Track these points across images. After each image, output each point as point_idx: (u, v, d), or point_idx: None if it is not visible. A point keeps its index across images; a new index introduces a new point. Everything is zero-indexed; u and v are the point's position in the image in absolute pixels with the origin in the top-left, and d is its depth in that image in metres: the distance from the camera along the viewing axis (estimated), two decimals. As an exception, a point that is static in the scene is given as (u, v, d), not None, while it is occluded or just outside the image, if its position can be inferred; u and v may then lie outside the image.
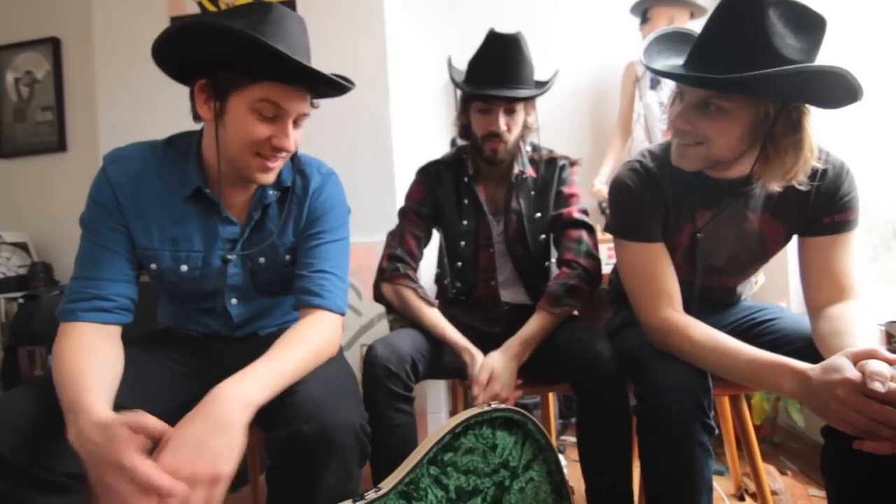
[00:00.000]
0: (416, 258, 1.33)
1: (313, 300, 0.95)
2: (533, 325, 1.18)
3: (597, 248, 1.29)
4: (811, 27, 0.81)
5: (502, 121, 1.24)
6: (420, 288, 1.26)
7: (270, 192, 0.99)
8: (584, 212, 1.31)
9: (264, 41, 0.79)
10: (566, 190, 1.33)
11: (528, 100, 1.27)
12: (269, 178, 0.93)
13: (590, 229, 1.29)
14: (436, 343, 1.21)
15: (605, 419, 1.05)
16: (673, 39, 0.97)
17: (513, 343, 1.15)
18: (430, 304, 1.25)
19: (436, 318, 1.22)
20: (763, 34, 0.80)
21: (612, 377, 1.05)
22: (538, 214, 1.32)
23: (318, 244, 1.00)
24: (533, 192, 1.33)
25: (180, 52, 0.86)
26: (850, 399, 0.70)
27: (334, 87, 0.91)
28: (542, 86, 1.29)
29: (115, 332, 0.88)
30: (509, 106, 1.24)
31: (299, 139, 0.93)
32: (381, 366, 1.08)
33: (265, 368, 0.80)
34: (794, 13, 0.81)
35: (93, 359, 0.80)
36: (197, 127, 0.97)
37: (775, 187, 0.92)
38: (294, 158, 1.03)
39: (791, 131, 0.86)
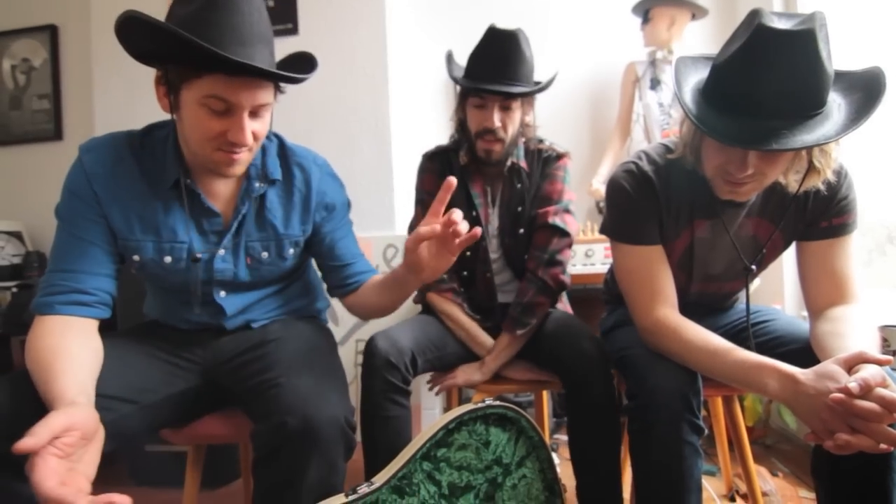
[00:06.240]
0: None
1: (371, 273, 1.11)
2: (500, 346, 1.25)
3: (565, 252, 1.28)
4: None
5: (497, 117, 1.22)
6: (463, 303, 1.31)
7: (257, 185, 0.97)
8: (566, 210, 1.29)
9: (194, 40, 0.74)
10: (546, 187, 1.30)
11: (525, 96, 1.26)
12: (237, 170, 0.90)
13: (562, 234, 1.27)
14: (437, 337, 1.25)
15: (594, 413, 1.08)
16: (695, 62, 0.94)
17: (488, 362, 1.25)
18: (472, 317, 1.31)
19: (475, 329, 1.29)
20: (822, 69, 0.77)
21: (598, 373, 1.08)
22: (519, 209, 1.31)
23: (346, 233, 1.10)
24: (519, 185, 1.31)
25: (133, 44, 0.83)
26: (842, 410, 0.69)
27: (282, 79, 0.87)
28: (540, 84, 1.28)
29: (91, 325, 0.87)
30: (505, 102, 1.23)
31: (263, 130, 0.88)
32: (381, 357, 1.09)
33: None
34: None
35: (62, 348, 0.79)
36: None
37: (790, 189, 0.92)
38: (285, 150, 1.02)
39: None
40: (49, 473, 0.60)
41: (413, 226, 1.41)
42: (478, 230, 0.82)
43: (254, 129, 0.85)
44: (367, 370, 1.11)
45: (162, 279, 0.98)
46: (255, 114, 0.85)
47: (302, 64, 0.92)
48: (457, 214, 0.80)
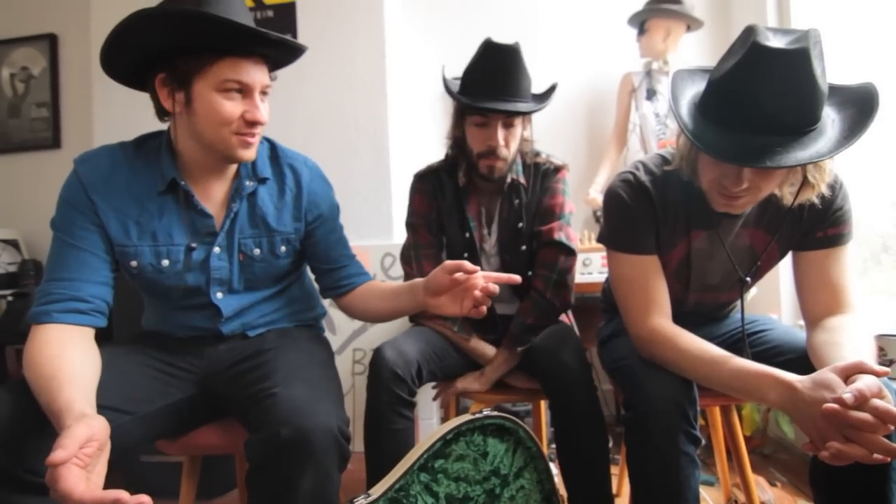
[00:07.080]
0: None
1: (365, 277, 1.14)
2: (499, 360, 1.26)
3: (572, 272, 1.28)
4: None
5: (500, 135, 1.18)
6: (454, 325, 1.29)
7: (248, 183, 1.00)
8: (567, 224, 1.28)
9: (225, 18, 0.81)
10: (548, 201, 1.28)
11: (527, 114, 1.23)
12: (252, 153, 0.94)
13: (568, 252, 1.26)
14: (440, 347, 1.25)
15: (579, 423, 1.08)
16: (692, 75, 0.95)
17: (487, 373, 1.26)
18: (464, 339, 1.28)
19: (474, 342, 1.29)
20: (816, 87, 0.78)
21: (580, 385, 1.09)
22: (520, 224, 1.29)
23: (338, 236, 1.12)
24: (517, 201, 1.28)
25: (138, 48, 0.86)
26: (836, 420, 0.69)
27: (288, 50, 0.94)
28: (541, 99, 1.25)
29: (89, 333, 0.87)
30: (508, 120, 1.19)
31: (268, 114, 0.94)
32: (388, 369, 1.08)
33: None
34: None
35: (64, 358, 0.78)
36: (163, 127, 0.98)
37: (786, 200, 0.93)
38: (276, 152, 1.05)
39: None
40: (77, 481, 0.62)
41: (404, 251, 1.36)
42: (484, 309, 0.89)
43: (263, 110, 0.92)
44: (373, 382, 1.10)
45: (159, 284, 0.98)
46: (261, 98, 0.92)
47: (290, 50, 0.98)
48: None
